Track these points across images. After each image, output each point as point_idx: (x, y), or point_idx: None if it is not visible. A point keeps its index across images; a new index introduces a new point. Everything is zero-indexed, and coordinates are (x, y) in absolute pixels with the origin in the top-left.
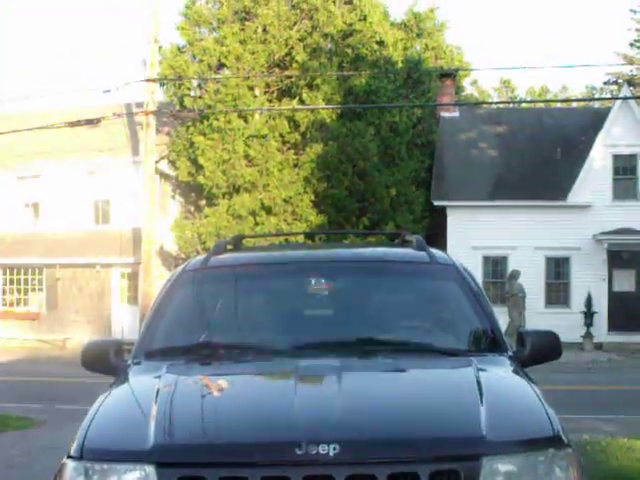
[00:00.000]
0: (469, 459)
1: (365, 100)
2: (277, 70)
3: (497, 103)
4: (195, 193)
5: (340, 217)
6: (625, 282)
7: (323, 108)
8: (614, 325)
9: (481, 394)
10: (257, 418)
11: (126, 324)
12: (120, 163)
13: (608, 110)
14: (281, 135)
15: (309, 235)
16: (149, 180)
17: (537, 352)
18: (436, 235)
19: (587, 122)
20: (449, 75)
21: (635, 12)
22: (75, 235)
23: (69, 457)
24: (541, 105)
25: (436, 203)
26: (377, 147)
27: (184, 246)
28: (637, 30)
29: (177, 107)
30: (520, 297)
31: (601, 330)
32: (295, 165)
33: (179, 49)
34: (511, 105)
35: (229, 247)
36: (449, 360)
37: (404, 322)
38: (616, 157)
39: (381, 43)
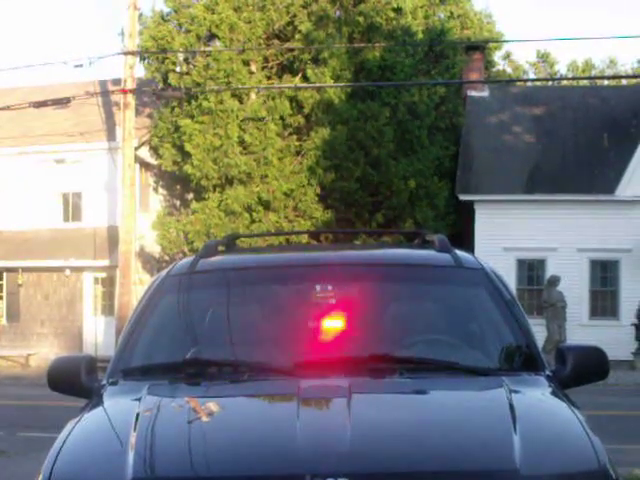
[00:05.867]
0: None
1: (379, 77)
2: (277, 42)
3: (534, 80)
4: (181, 185)
5: (350, 213)
6: None
7: (330, 86)
8: None
9: (514, 420)
10: (253, 448)
11: (100, 338)
12: (94, 150)
13: None
14: (281, 118)
15: (314, 234)
16: (127, 170)
17: (580, 371)
18: (462, 234)
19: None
20: (477, 48)
21: None
22: (41, 234)
23: None
24: (585, 83)
25: (462, 197)
26: (393, 132)
27: (168, 247)
28: None
29: (160, 85)
30: (560, 307)
31: None
32: (298, 153)
33: (163, 17)
34: (550, 83)
35: (220, 248)
36: (477, 380)
37: (424, 336)
38: None
39: (398, 10)
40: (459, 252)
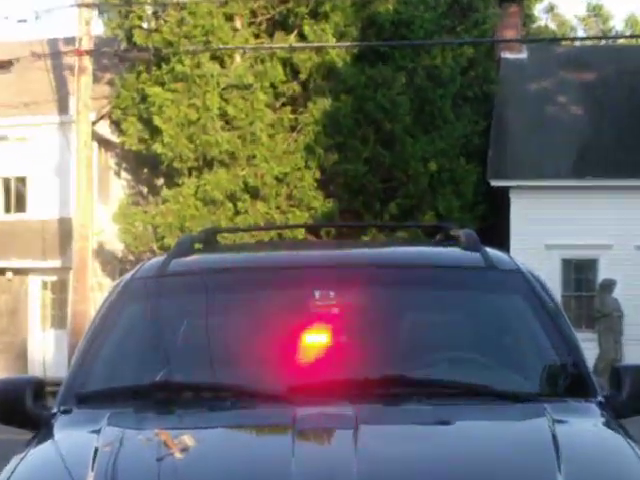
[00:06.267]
0: None
1: (393, 35)
2: None
3: (583, 39)
4: (149, 168)
5: (357, 203)
6: None
7: (333, 46)
8: None
9: (558, 456)
10: None
11: (49, 355)
12: (41, 124)
13: None
14: (272, 85)
15: (312, 229)
16: (83, 149)
17: (639, 396)
18: (494, 229)
19: None
20: None
21: None
22: None
23: None
24: None
25: (494, 183)
26: (410, 102)
27: (133, 244)
28: None
29: (123, 45)
30: (616, 318)
31: None
32: (293, 128)
33: None
34: (603, 42)
35: (197, 245)
36: (513, 408)
37: (448, 354)
38: None
39: None
40: (490, 250)
